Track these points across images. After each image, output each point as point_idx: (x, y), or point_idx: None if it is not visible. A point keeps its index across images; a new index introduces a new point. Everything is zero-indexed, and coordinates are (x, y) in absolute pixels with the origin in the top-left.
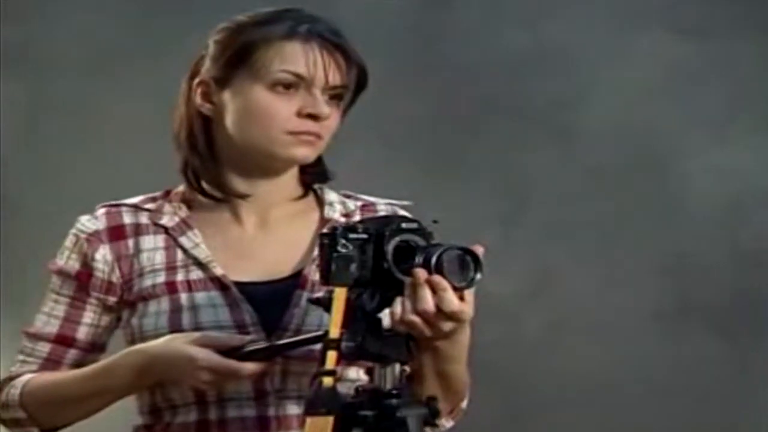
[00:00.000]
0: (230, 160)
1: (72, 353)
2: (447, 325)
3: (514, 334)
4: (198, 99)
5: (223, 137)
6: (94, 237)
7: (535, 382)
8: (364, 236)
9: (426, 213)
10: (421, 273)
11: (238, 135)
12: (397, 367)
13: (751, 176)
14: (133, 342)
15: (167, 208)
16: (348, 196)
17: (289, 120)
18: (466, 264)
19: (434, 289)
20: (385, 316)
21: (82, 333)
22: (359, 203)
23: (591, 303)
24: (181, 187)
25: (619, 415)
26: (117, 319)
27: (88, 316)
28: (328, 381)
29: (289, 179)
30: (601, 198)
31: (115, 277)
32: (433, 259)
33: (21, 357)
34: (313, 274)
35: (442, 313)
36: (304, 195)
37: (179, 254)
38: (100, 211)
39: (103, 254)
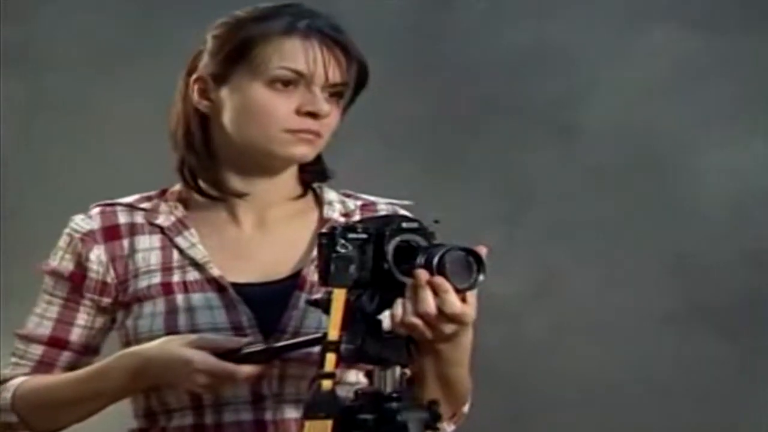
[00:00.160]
0: (228, 159)
1: (65, 356)
2: (449, 328)
3: (517, 335)
4: (195, 96)
5: (220, 135)
6: (88, 237)
7: (538, 383)
8: (364, 236)
9: (427, 213)
10: (423, 274)
11: (236, 133)
12: (398, 370)
13: (757, 176)
14: (127, 344)
15: (163, 207)
16: (348, 196)
17: (287, 118)
18: (468, 265)
19: (436, 291)
20: (386, 318)
21: (76, 335)
22: (359, 203)
23: (593, 303)
24: (178, 186)
25: (622, 416)
26: (111, 321)
27: (82, 317)
28: (327, 384)
29: (288, 178)
30: (603, 198)
31: (110, 278)
32: (435, 260)
33: (13, 359)
34: (312, 275)
35: (443, 315)
36: (303, 194)
37: (175, 255)
38: (95, 211)
39: (97, 255)
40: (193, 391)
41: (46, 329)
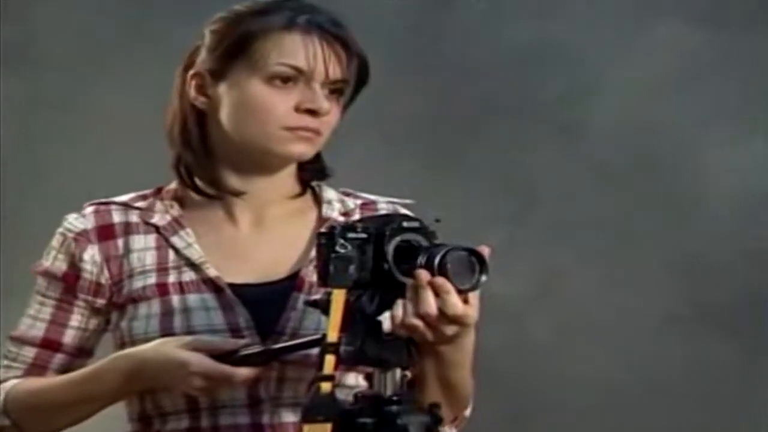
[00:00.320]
0: (225, 156)
1: (58, 358)
2: (450, 329)
3: (519, 337)
4: (192, 92)
5: (217, 132)
6: (82, 236)
7: (540, 385)
8: (364, 236)
9: (427, 212)
10: (424, 274)
11: (234, 130)
12: (398, 372)
13: (762, 175)
14: (122, 346)
15: (158, 206)
16: (347, 195)
17: (286, 115)
18: (470, 265)
19: (437, 292)
20: (386, 320)
21: (69, 337)
22: (359, 202)
23: (598, 305)
24: (173, 184)
25: (624, 418)
26: (106, 322)
27: (76, 319)
28: (325, 387)
29: (286, 176)
30: (606, 197)
31: (104, 279)
32: (437, 260)
33: (5, 362)
34: (311, 276)
35: (445, 316)
36: (302, 193)
37: (171, 255)
38: (89, 210)
39: (91, 255)
40: (188, 394)
41: (38, 331)
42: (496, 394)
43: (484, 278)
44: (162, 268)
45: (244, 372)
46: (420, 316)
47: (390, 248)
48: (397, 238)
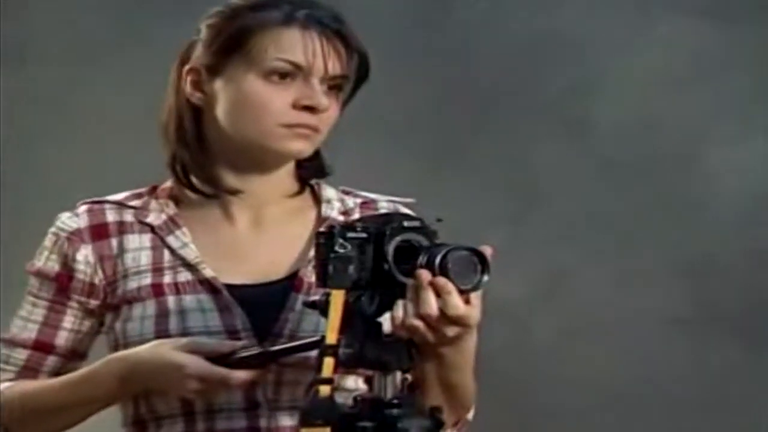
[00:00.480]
0: (221, 154)
1: (51, 360)
2: (452, 331)
3: (522, 338)
4: (188, 88)
5: (214, 129)
6: (75, 236)
7: (544, 388)
8: (364, 235)
9: (429, 211)
10: (425, 275)
11: (230, 127)
12: (399, 375)
13: None
14: (116, 348)
15: (154, 205)
16: (347, 193)
17: (284, 112)
18: (472, 265)
19: (438, 292)
20: (386, 321)
21: (62, 339)
22: (359, 200)
23: (605, 307)
24: (169, 183)
25: (631, 423)
26: (99, 324)
27: (69, 320)
28: (324, 390)
29: (284, 175)
30: (616, 195)
31: (98, 279)
32: (437, 260)
33: None
34: (309, 276)
35: (446, 317)
36: (300, 191)
37: (166, 255)
38: (82, 209)
39: (84, 254)
40: (184, 398)
41: (30, 333)
42: (499, 397)
43: (486, 278)
44: (157, 269)
45: (240, 375)
46: (421, 317)
47: (390, 248)
48: (398, 238)
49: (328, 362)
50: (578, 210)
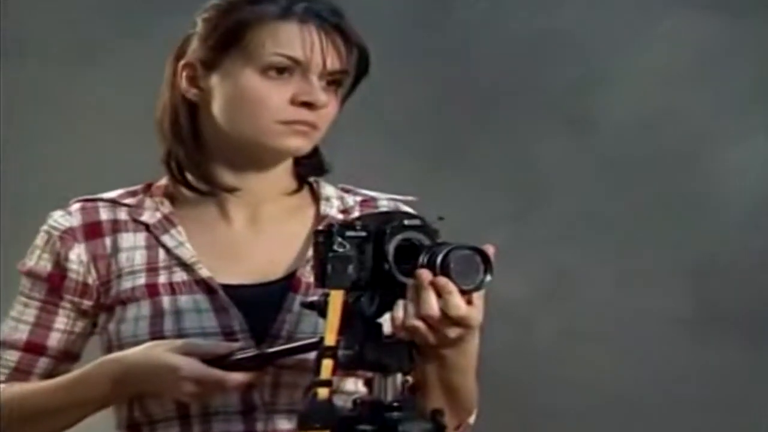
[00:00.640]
0: (218, 151)
1: (43, 362)
2: (453, 332)
3: (525, 340)
4: (183, 83)
5: (210, 125)
6: (67, 235)
7: (547, 390)
8: (363, 234)
9: (430, 209)
10: (425, 274)
11: (226, 123)
12: (399, 377)
13: None
14: (109, 350)
15: (148, 203)
16: (346, 191)
17: (281, 108)
18: (474, 265)
19: (439, 292)
20: (386, 322)
21: (54, 340)
22: (359, 198)
23: (609, 307)
24: (164, 180)
25: (636, 427)
26: (92, 325)
27: (61, 321)
28: (323, 393)
29: (282, 172)
30: (618, 194)
31: (91, 279)
32: (439, 260)
33: None
34: (308, 276)
35: (447, 318)
36: (299, 189)
37: (161, 254)
38: (75, 207)
39: (77, 254)
40: (179, 400)
41: (22, 334)
42: (500, 398)
43: (488, 278)
44: (152, 268)
45: (237, 377)
46: (422, 318)
47: (390, 247)
48: (398, 237)
49: (327, 364)
50: (580, 209)
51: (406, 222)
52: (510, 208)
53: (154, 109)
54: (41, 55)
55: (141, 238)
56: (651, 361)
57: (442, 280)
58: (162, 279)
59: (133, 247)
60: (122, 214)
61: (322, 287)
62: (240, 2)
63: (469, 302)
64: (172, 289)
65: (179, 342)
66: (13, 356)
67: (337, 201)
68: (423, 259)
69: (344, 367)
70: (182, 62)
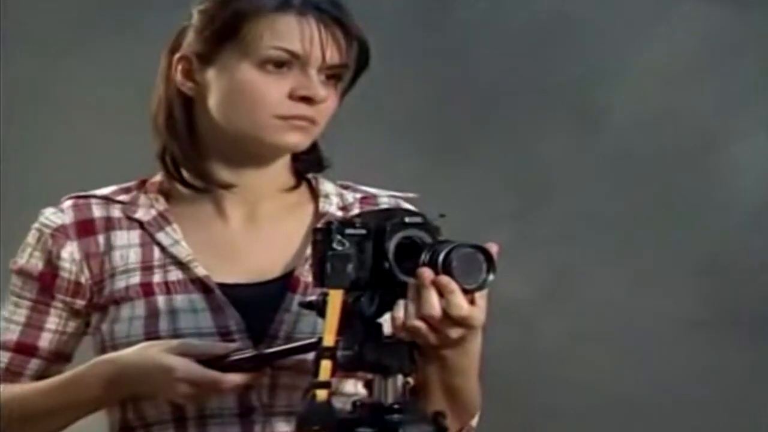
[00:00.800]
0: (214, 146)
1: (34, 363)
2: (455, 332)
3: (529, 341)
4: (179, 77)
5: (205, 120)
6: (59, 232)
7: (551, 393)
8: (363, 232)
9: (431, 207)
10: (427, 273)
11: (223, 118)
12: (400, 378)
13: None
14: (103, 350)
15: (143, 200)
16: (346, 188)
17: (279, 103)
18: (477, 264)
19: (441, 292)
20: (386, 322)
21: (46, 340)
22: (358, 195)
23: (615, 308)
24: (159, 177)
25: (639, 428)
26: (85, 325)
27: (53, 321)
28: (321, 394)
29: (280, 168)
30: (625, 191)
31: (84, 278)
32: (441, 258)
33: None
34: (306, 275)
35: (449, 318)
36: (297, 186)
37: (156, 252)
38: (67, 203)
39: (70, 252)
40: (174, 403)
41: (12, 334)
42: (503, 400)
43: (491, 277)
44: (146, 267)
45: (234, 378)
46: (423, 318)
47: (391, 245)
48: (399, 235)
49: (326, 365)
50: (588, 206)
51: (406, 219)
52: (514, 206)
53: (149, 103)
54: (35, 52)
55: (135, 235)
56: (658, 363)
57: (444, 279)
58: (157, 278)
59: (127, 245)
60: (116, 212)
61: (321, 286)
62: None
63: (472, 302)
64: (168, 288)
65: (174, 342)
66: (3, 357)
67: (336, 198)
68: (424, 257)
69: (343, 369)
70: (177, 55)
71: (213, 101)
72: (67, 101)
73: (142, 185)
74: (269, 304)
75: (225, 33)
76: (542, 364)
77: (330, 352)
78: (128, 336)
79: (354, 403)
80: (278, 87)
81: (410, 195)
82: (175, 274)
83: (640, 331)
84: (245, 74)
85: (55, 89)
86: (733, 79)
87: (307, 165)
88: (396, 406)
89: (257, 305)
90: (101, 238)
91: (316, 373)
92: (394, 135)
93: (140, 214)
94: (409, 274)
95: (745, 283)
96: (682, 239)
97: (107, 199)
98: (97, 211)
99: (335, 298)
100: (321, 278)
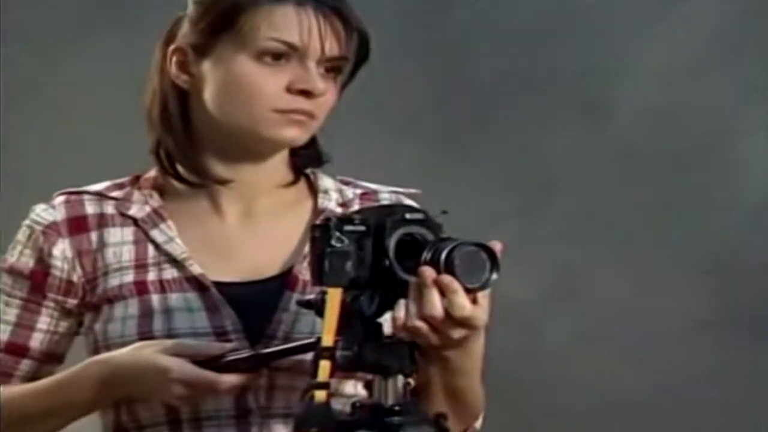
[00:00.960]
0: (209, 141)
1: (25, 364)
2: (457, 332)
3: (533, 341)
4: (173, 69)
5: (201, 114)
6: (51, 229)
7: (555, 395)
8: (362, 228)
9: (433, 203)
10: (429, 272)
11: (219, 112)
12: (400, 379)
13: None
14: (96, 351)
15: (136, 196)
16: (346, 183)
17: (277, 96)
18: (480, 262)
19: (443, 291)
20: (387, 322)
21: (37, 341)
22: (358, 191)
23: (622, 308)
24: (153, 172)
25: (640, 428)
26: (78, 325)
27: (44, 321)
28: (320, 395)
29: (278, 163)
30: (631, 188)
31: (76, 276)
32: (443, 256)
33: None
34: (304, 273)
35: (451, 318)
36: (295, 181)
37: (150, 250)
38: (59, 200)
39: (61, 249)
40: (169, 404)
41: (3, 334)
42: (507, 405)
43: (494, 276)
44: (140, 265)
45: (230, 379)
46: (424, 318)
47: (391, 243)
48: (399, 232)
49: (325, 366)
50: (594, 204)
51: (407, 216)
52: (517, 203)
53: (143, 96)
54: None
55: (129, 232)
56: (665, 365)
57: (447, 279)
58: (151, 276)
59: (120, 242)
60: (109, 208)
61: (320, 285)
62: None
63: (475, 302)
64: (162, 286)
65: (169, 342)
66: None
67: (335, 194)
68: (426, 255)
69: (343, 369)
70: (172, 47)
71: (209, 94)
72: (67, 100)
73: (135, 181)
74: (267, 303)
75: (221, 24)
76: (544, 364)
77: (329, 353)
78: (122, 336)
79: (353, 405)
80: (276, 80)
81: (412, 191)
82: (169, 273)
83: (642, 331)
84: (242, 66)
85: (55, 88)
86: (733, 78)
87: (306, 160)
88: (396, 408)
89: (254, 304)
90: (94, 236)
91: (314, 373)
92: (396, 130)
93: (134, 210)
94: (409, 272)
95: (746, 282)
96: (684, 239)
97: (100, 195)
98: (90, 208)
99: (334, 297)
100: (319, 276)
